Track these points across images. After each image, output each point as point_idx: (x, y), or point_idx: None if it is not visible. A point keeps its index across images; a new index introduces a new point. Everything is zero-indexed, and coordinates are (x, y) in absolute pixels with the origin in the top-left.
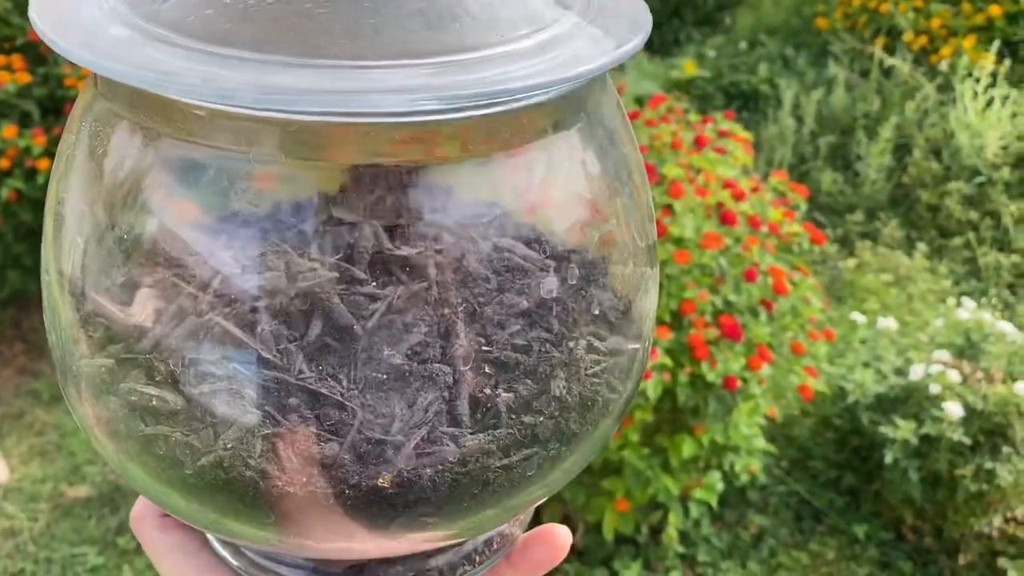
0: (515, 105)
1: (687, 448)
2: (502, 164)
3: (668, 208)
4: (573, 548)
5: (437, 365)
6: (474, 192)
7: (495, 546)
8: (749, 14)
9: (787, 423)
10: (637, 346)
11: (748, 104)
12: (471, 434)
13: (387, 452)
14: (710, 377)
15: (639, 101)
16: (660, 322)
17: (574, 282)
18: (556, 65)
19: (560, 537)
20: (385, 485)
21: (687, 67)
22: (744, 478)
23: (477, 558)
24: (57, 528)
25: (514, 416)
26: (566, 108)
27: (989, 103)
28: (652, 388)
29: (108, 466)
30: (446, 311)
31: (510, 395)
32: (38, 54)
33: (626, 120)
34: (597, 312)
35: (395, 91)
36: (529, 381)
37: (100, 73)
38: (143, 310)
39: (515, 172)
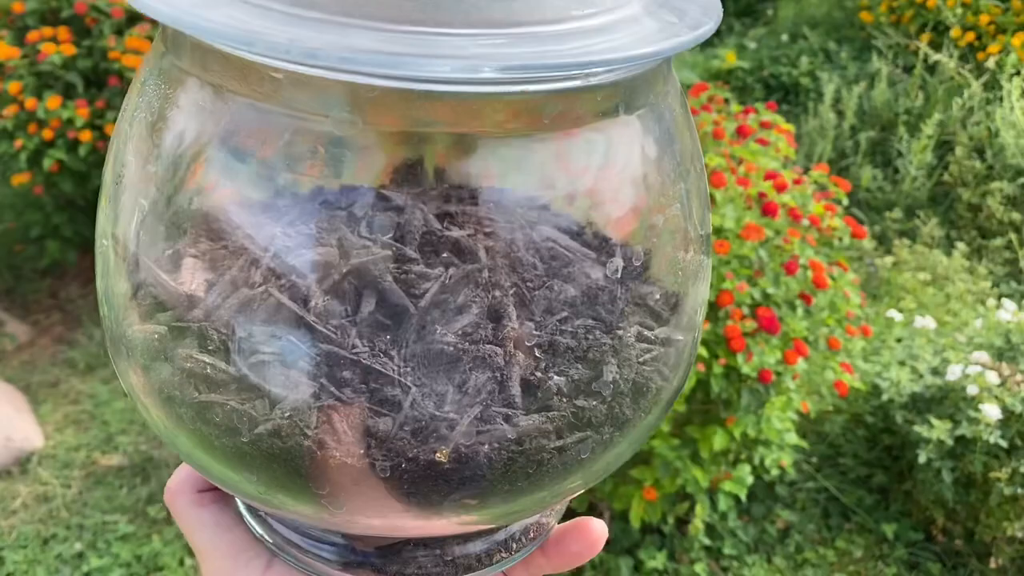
0: (584, 83)
1: (718, 440)
2: (566, 143)
3: (709, 197)
4: None
5: (489, 346)
6: (534, 170)
7: (531, 535)
8: (791, 6)
9: (819, 419)
10: (687, 337)
11: (788, 97)
12: (524, 415)
13: (442, 428)
14: (745, 369)
15: None
16: None
17: (627, 271)
18: (624, 44)
19: (596, 532)
20: (442, 460)
21: (728, 57)
22: (774, 472)
23: (514, 545)
24: (89, 496)
25: (567, 399)
26: (631, 91)
27: None
28: None
29: (141, 436)
30: (497, 293)
31: (562, 379)
32: (83, 26)
33: (687, 109)
34: (649, 303)
35: (477, 58)
36: (580, 366)
37: (185, 31)
38: (198, 279)
39: (575, 153)
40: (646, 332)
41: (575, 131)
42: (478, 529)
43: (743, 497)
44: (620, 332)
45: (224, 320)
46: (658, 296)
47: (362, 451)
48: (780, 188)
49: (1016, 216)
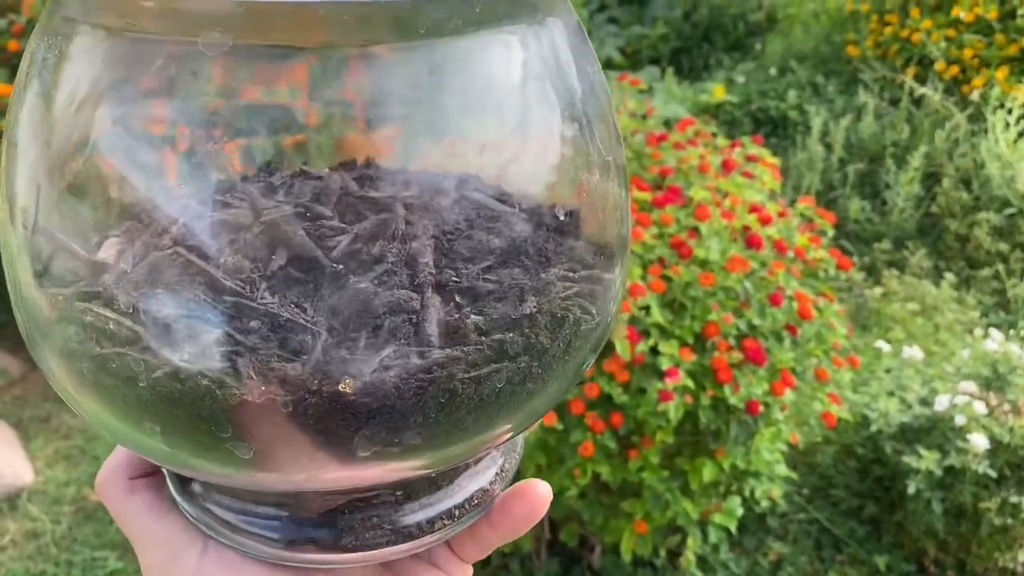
0: None
1: (707, 472)
2: (453, 50)
3: (694, 230)
4: (590, 568)
5: (403, 291)
6: (431, 79)
7: (475, 501)
8: (779, 40)
9: (809, 450)
10: (611, 275)
11: (776, 130)
12: (439, 350)
13: (351, 367)
14: (732, 401)
15: (667, 124)
16: (683, 344)
17: (551, 225)
18: None
19: (539, 492)
20: (347, 390)
21: (716, 92)
22: (764, 504)
23: (456, 512)
24: (79, 531)
25: (485, 335)
26: (519, 2)
27: (1021, 134)
28: (673, 410)
29: None
30: (414, 244)
31: (480, 317)
32: None
33: (587, 40)
34: (571, 250)
35: None
36: (499, 305)
37: None
38: (106, 245)
39: (468, 61)
40: (568, 274)
41: (452, 42)
42: (410, 478)
43: (734, 529)
44: (542, 275)
45: (130, 281)
46: (582, 244)
47: (263, 387)
48: (765, 221)
49: (1003, 246)
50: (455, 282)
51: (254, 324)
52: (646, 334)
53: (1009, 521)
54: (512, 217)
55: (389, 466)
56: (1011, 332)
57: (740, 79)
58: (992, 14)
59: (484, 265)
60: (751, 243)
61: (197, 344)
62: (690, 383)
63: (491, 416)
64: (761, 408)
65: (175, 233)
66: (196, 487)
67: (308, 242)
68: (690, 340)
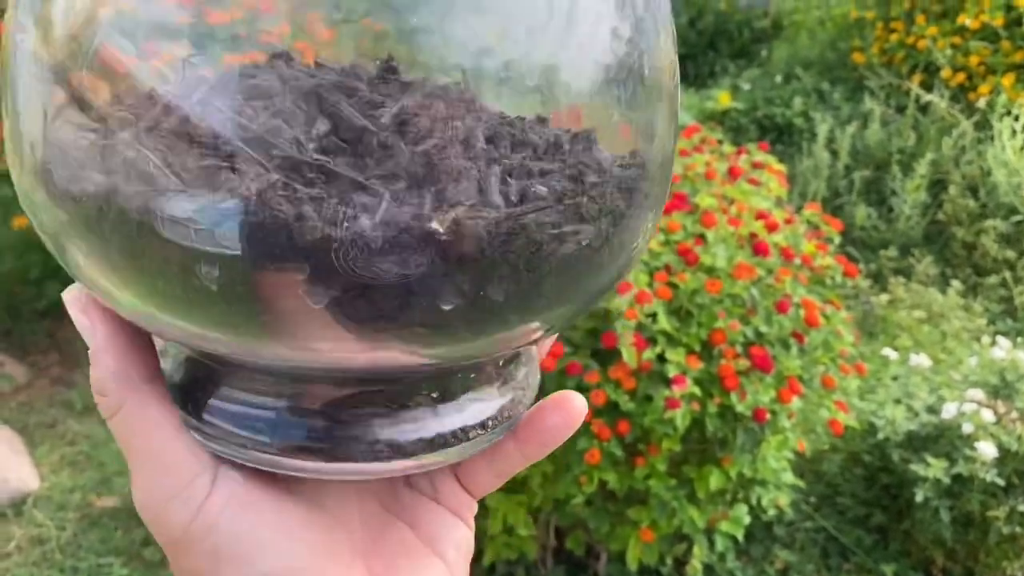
0: None
1: (714, 480)
2: None
3: (700, 237)
4: None
5: (461, 160)
6: None
7: (507, 413)
8: (785, 47)
9: (816, 458)
10: (658, 153)
11: (782, 137)
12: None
13: (426, 224)
14: (739, 408)
15: None
16: (690, 351)
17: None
18: None
19: (576, 404)
20: (439, 228)
21: (722, 98)
22: (771, 512)
23: (490, 423)
24: (84, 538)
25: (554, 200)
26: None
27: None
28: (680, 418)
29: None
30: (458, 123)
31: (544, 188)
32: None
33: None
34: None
35: None
36: (560, 178)
37: None
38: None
39: None
40: (623, 159)
41: None
42: (471, 358)
43: (741, 537)
44: (597, 158)
45: (166, 128)
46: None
47: (347, 223)
48: (771, 228)
49: (1010, 254)
50: (507, 162)
51: (311, 176)
52: (653, 341)
53: (1017, 530)
54: (539, 128)
55: (453, 342)
56: (1018, 340)
57: (746, 86)
58: (998, 21)
59: (534, 150)
60: (758, 250)
61: (259, 184)
62: (697, 391)
63: (568, 282)
64: (768, 416)
65: (201, 95)
66: (198, 394)
67: (352, 110)
68: (697, 347)
